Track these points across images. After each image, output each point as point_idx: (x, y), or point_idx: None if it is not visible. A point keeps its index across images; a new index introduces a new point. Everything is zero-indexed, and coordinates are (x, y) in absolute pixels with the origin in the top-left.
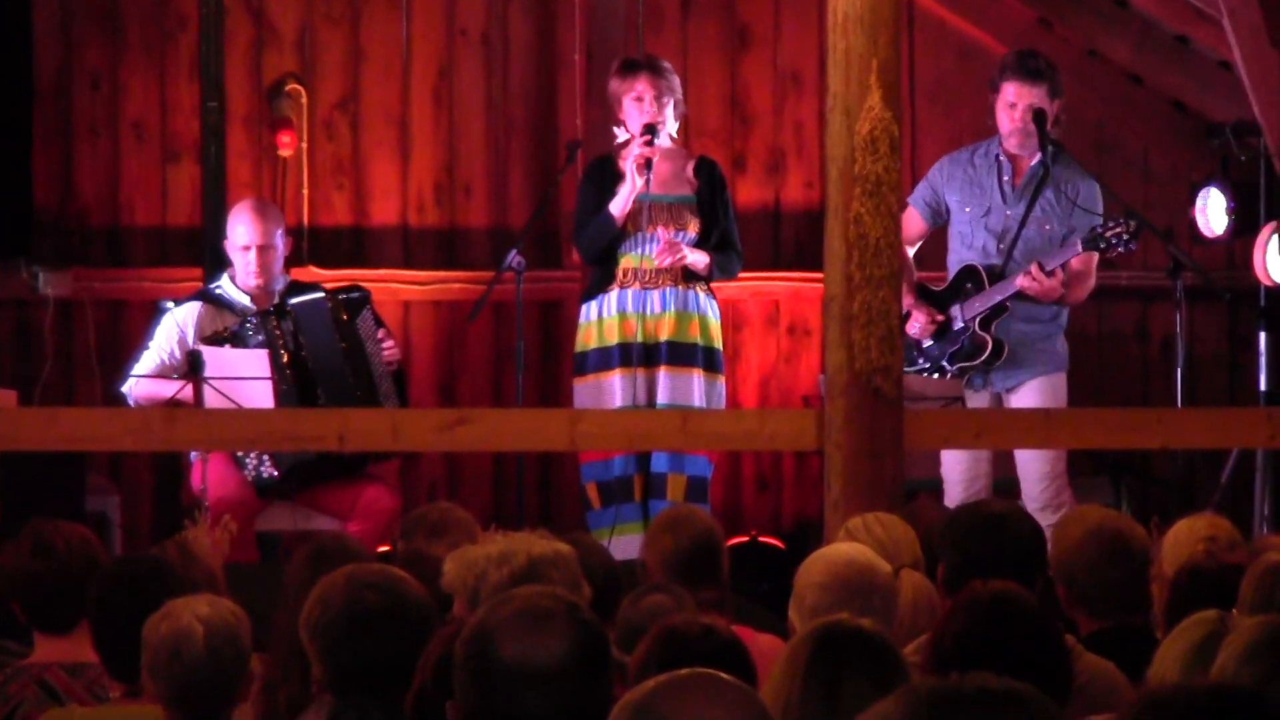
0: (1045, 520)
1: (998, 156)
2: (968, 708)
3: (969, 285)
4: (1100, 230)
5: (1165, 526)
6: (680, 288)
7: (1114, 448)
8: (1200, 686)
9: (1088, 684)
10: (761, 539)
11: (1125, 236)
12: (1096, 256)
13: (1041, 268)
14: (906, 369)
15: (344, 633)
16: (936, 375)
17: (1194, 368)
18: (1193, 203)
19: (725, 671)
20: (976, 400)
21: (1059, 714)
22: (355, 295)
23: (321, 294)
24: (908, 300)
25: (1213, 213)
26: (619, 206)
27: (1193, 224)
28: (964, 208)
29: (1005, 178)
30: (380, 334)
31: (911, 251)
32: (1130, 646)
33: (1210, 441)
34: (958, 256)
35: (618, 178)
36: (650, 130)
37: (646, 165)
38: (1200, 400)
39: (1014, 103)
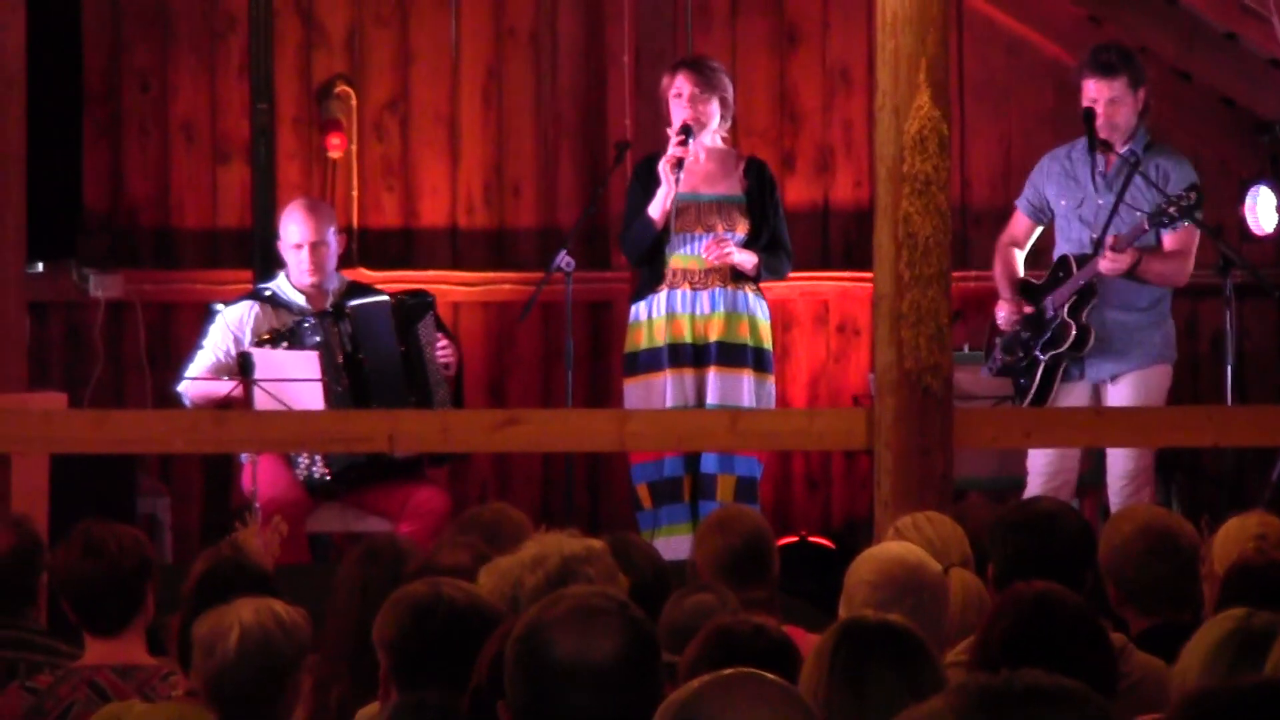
0: None
1: (1089, 149)
2: (1019, 705)
3: (1060, 274)
4: (1163, 205)
5: (1215, 524)
6: (729, 288)
7: (1165, 445)
8: (1248, 683)
9: (1139, 682)
10: (811, 538)
11: (1186, 204)
12: (1195, 239)
13: (1113, 245)
14: (1008, 366)
15: (420, 627)
16: (1030, 368)
17: (1244, 365)
18: (1242, 200)
19: (775, 671)
20: (1074, 391)
21: (1110, 711)
22: (418, 300)
23: (385, 297)
24: (1003, 295)
25: (1263, 210)
26: (657, 208)
27: (1242, 221)
28: (1060, 201)
29: (1098, 169)
30: (440, 340)
31: (1021, 253)
32: (1180, 643)
33: (1260, 439)
34: (1060, 249)
35: (661, 179)
36: (685, 130)
37: (678, 165)
38: (1250, 398)
39: (1094, 98)
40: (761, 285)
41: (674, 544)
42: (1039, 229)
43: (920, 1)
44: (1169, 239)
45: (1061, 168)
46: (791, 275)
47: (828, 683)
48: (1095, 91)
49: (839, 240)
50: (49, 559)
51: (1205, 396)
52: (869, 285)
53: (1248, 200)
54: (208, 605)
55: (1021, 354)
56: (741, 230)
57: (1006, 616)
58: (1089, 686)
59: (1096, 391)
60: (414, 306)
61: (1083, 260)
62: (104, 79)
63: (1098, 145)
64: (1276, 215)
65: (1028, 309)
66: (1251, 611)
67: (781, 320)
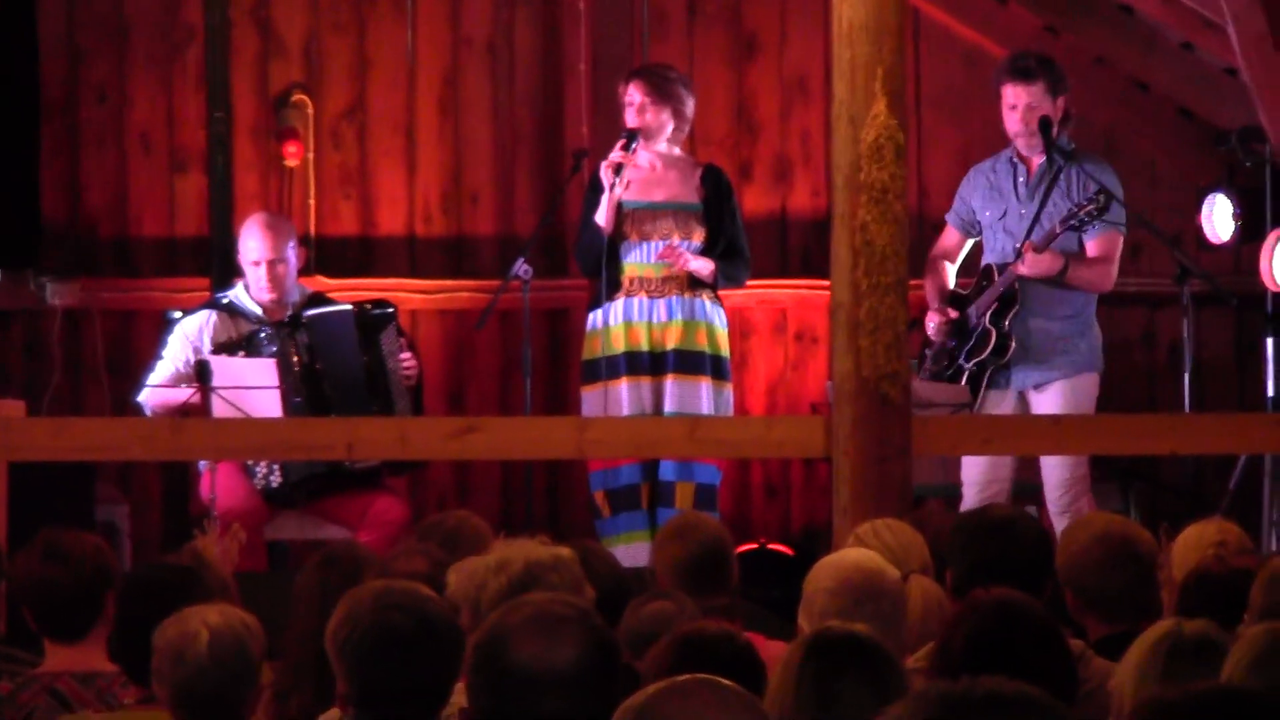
0: (1060, 526)
1: (1011, 159)
2: (980, 711)
3: (984, 283)
4: (1074, 209)
5: (1174, 532)
6: (687, 296)
7: (1123, 453)
8: (1206, 689)
9: (1097, 689)
10: (770, 546)
11: (1095, 207)
12: (1118, 244)
13: (1033, 247)
14: (936, 374)
15: (371, 652)
16: (954, 376)
17: (1201, 373)
18: (1199, 209)
19: (740, 678)
20: (1000, 400)
21: (1070, 717)
22: (381, 311)
23: (347, 307)
24: (932, 306)
25: (1219, 219)
26: (602, 215)
27: (1199, 230)
28: (985, 212)
29: (1020, 179)
30: (403, 351)
31: (953, 266)
32: None
33: (1219, 447)
34: (985, 260)
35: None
36: (630, 135)
37: (616, 170)
38: (1208, 406)
39: (1013, 104)
40: (720, 293)
41: (633, 551)
42: (970, 241)
43: (877, 11)
44: (1091, 245)
45: (986, 180)
46: (749, 283)
47: (796, 695)
48: (1013, 97)
49: (797, 249)
50: (8, 567)
51: (1163, 405)
52: (827, 293)
53: (1204, 209)
54: (146, 614)
55: (948, 363)
56: (698, 238)
57: (967, 623)
58: (1049, 693)
59: (1022, 399)
60: (376, 317)
61: (1004, 268)
62: (61, 89)
63: (1052, 150)
64: (1233, 224)
65: (954, 314)
66: (1181, 621)
67: (739, 328)
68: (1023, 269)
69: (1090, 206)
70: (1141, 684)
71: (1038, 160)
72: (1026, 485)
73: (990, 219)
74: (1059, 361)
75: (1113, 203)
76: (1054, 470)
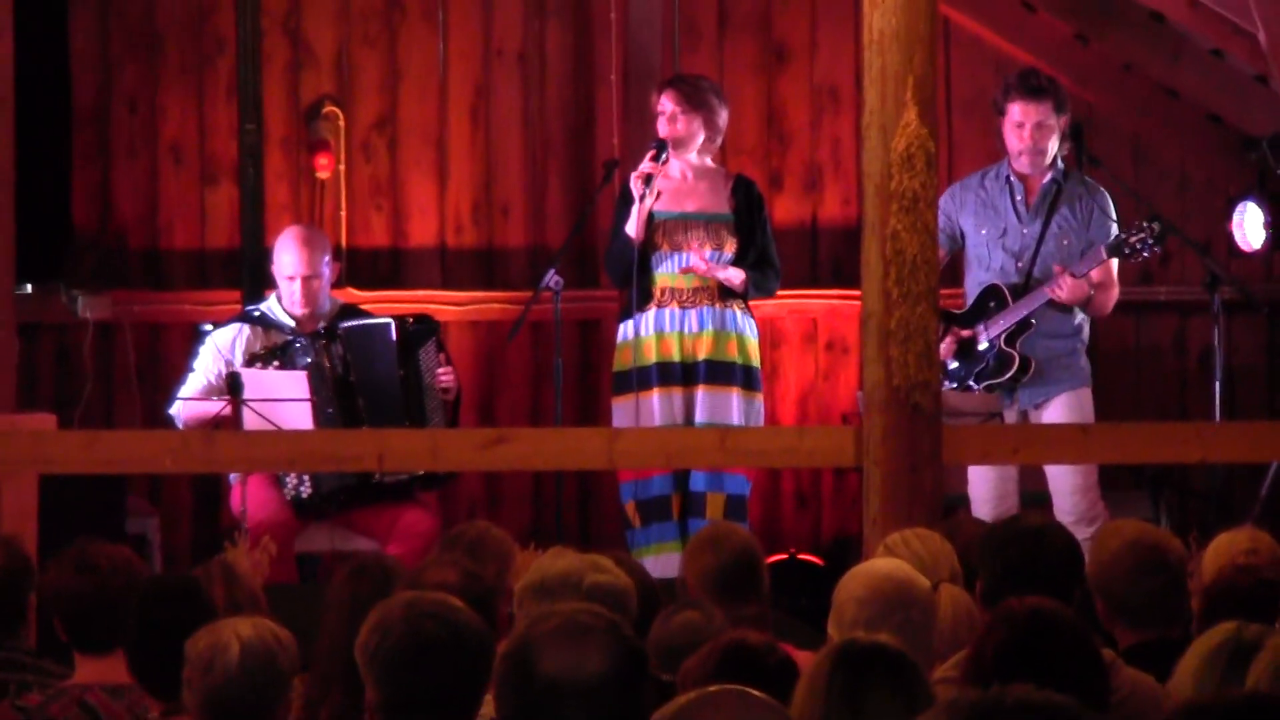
0: (1080, 533)
1: (1008, 178)
2: None
3: (992, 304)
4: (1124, 236)
5: (1204, 540)
6: (718, 306)
7: (1152, 461)
8: (1236, 696)
9: (1127, 698)
10: (800, 556)
11: (1150, 241)
12: (1115, 266)
13: (1071, 273)
14: None
15: (402, 662)
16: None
17: (1232, 381)
18: (1230, 216)
19: (782, 689)
20: (1004, 419)
21: None
22: (422, 326)
23: (387, 320)
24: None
25: (1250, 226)
26: (632, 226)
27: (1230, 237)
28: (979, 230)
29: (1018, 197)
30: (442, 367)
31: None
32: (1169, 659)
33: (1249, 455)
34: (976, 279)
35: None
36: (660, 145)
37: (646, 180)
38: (1238, 413)
39: (1021, 122)
40: (750, 303)
41: (663, 562)
42: (948, 257)
43: (907, 20)
44: (1096, 271)
45: (977, 197)
46: (780, 293)
47: (824, 705)
48: (1022, 115)
49: (827, 258)
50: (39, 579)
51: (1193, 412)
52: (857, 303)
53: (1235, 217)
54: (158, 627)
55: (952, 384)
56: (730, 249)
57: (999, 632)
58: (1081, 702)
59: (1024, 417)
60: (416, 332)
61: (1015, 290)
62: (93, 100)
63: (1085, 160)
64: (1264, 231)
65: (967, 333)
66: (1243, 624)
67: (770, 338)
68: (1061, 294)
69: (1142, 235)
70: (1202, 688)
71: (1039, 180)
72: (1033, 495)
73: (988, 237)
74: (1061, 378)
75: (1113, 227)
76: (1065, 478)
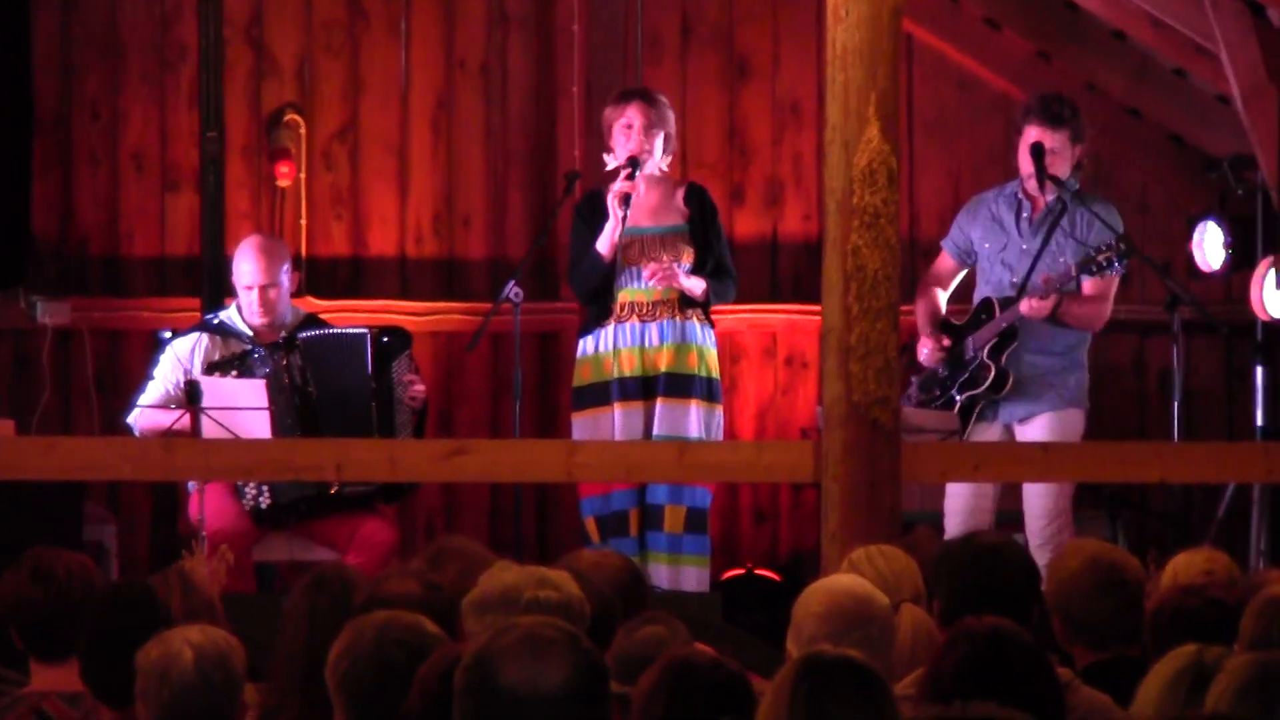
0: (1041, 558)
1: (1017, 195)
2: None
3: (984, 316)
4: (1091, 253)
5: (1163, 560)
6: (678, 319)
7: (1111, 481)
8: (1199, 718)
9: (1084, 717)
10: (758, 571)
11: (1114, 259)
12: (1114, 284)
13: (1032, 295)
14: (923, 402)
15: (371, 687)
16: (945, 405)
17: (1191, 401)
18: (1190, 236)
19: (730, 705)
20: (988, 432)
21: None
22: (395, 339)
23: (362, 331)
24: (922, 331)
25: (1210, 247)
26: (604, 244)
27: (1190, 258)
28: (985, 244)
29: (1024, 215)
30: (409, 377)
31: (945, 292)
32: (1127, 678)
33: (1207, 476)
34: (980, 292)
35: (607, 213)
36: (633, 163)
37: (625, 201)
38: (1197, 434)
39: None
40: (711, 315)
41: None
42: (963, 270)
43: (870, 36)
44: (1089, 284)
45: (989, 211)
46: (740, 307)
47: (789, 718)
48: (1038, 138)
49: (788, 273)
50: None
51: (1153, 432)
52: (817, 318)
53: (1195, 237)
54: (112, 636)
55: (939, 392)
56: (687, 259)
57: (958, 650)
58: None
59: (1008, 432)
60: (390, 345)
61: (1006, 303)
62: (54, 107)
63: (1045, 180)
64: (1223, 252)
65: (947, 342)
66: (1203, 647)
67: (729, 352)
68: (1024, 308)
69: (1109, 253)
70: (1165, 712)
71: (1045, 199)
72: (1008, 514)
73: (990, 251)
74: (1047, 396)
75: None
76: (1037, 500)
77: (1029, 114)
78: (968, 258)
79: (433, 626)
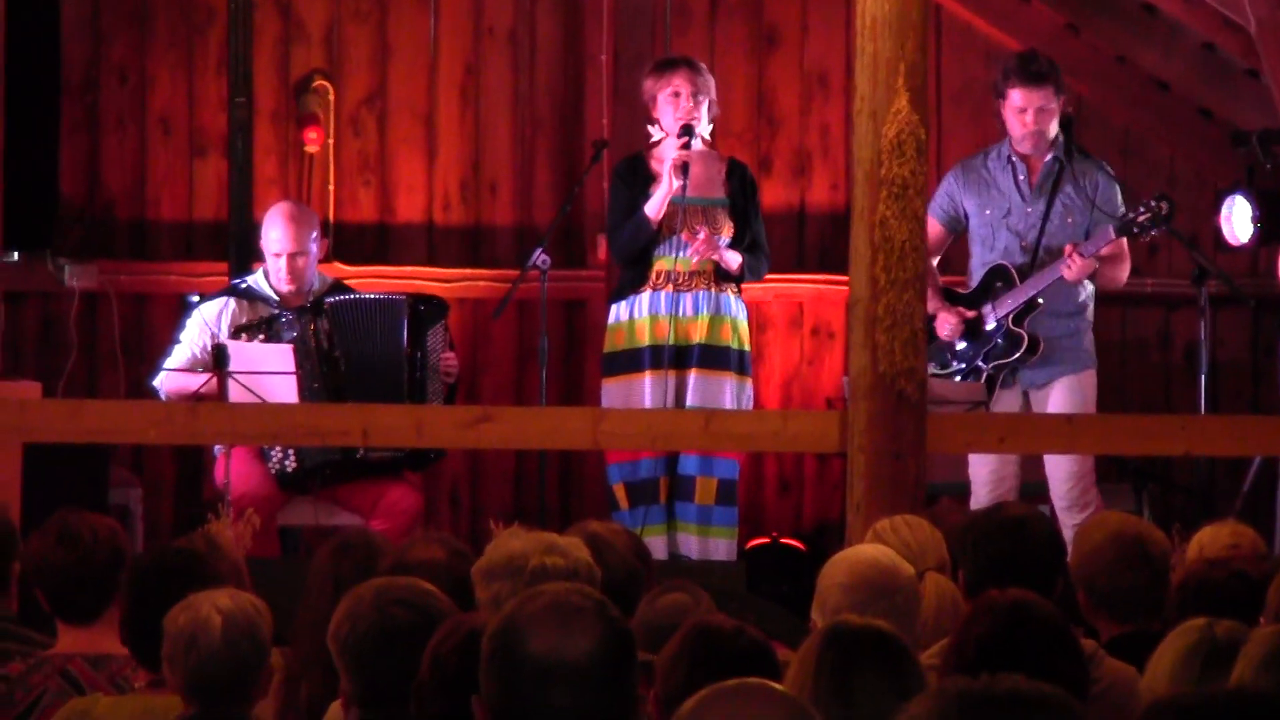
0: (1071, 519)
1: (1010, 158)
2: (999, 709)
3: (999, 284)
4: (1131, 215)
5: (1187, 533)
6: (714, 290)
7: (1137, 454)
8: (1218, 692)
9: (1108, 689)
10: (783, 540)
11: (1158, 219)
12: (1125, 241)
13: (1079, 253)
14: (939, 373)
15: (372, 649)
16: (970, 378)
17: (1217, 375)
18: (1218, 210)
19: (753, 671)
20: (1006, 398)
21: (1086, 717)
22: (433, 307)
23: (400, 298)
24: (933, 304)
25: (1238, 220)
26: (654, 209)
27: (1217, 231)
28: (983, 211)
29: (1021, 177)
30: (446, 349)
31: (934, 260)
32: (1151, 652)
33: (1233, 449)
34: (981, 259)
35: (650, 179)
36: (687, 131)
37: (683, 169)
38: (1223, 407)
39: (1023, 107)
40: (741, 286)
41: (649, 545)
42: (951, 238)
43: (900, 7)
44: (1109, 245)
45: (980, 177)
46: (767, 277)
47: (815, 687)
48: (1024, 100)
49: (814, 243)
50: (22, 548)
51: (1178, 406)
52: (844, 288)
53: (1223, 210)
54: (154, 599)
55: (959, 364)
56: (727, 233)
57: (982, 622)
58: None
59: (1025, 398)
60: (428, 312)
61: (1021, 270)
62: (83, 71)
63: (1073, 151)
64: (1251, 225)
65: (970, 314)
66: (1213, 620)
67: (756, 322)
68: (1068, 273)
69: (1150, 214)
70: (1177, 686)
71: (1041, 160)
72: (1032, 485)
73: (992, 217)
74: (1064, 358)
75: (1118, 192)
76: (1060, 464)
77: (1009, 76)
78: (958, 225)
79: (432, 587)
